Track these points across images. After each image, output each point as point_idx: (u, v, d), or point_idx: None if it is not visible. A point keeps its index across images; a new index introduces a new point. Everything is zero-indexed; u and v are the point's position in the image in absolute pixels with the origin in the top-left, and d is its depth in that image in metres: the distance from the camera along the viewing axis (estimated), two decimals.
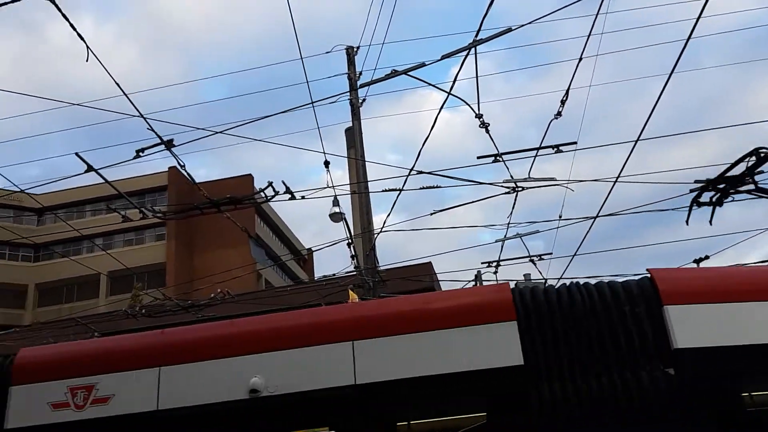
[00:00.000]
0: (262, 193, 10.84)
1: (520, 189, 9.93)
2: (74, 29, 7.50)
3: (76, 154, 9.06)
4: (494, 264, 12.94)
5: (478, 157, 9.21)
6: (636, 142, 8.17)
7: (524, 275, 21.40)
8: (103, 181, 10.01)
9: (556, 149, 8.92)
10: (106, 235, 43.96)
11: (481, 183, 10.57)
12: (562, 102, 8.05)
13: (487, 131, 8.63)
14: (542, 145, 9.17)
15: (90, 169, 9.25)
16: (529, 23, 6.72)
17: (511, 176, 9.78)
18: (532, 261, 12.93)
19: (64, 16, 7.17)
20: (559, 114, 8.25)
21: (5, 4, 6.89)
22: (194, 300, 15.43)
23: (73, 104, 9.45)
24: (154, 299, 16.21)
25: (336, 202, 16.53)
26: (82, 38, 7.52)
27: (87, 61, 7.90)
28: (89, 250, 42.52)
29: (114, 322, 18.23)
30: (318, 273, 53.24)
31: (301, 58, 10.13)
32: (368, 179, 16.64)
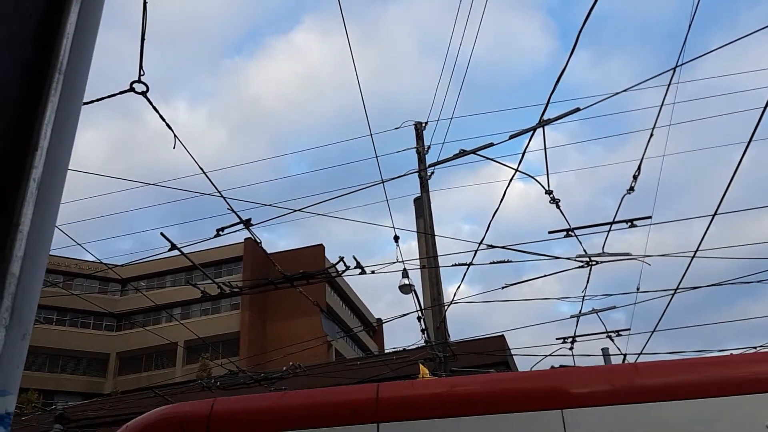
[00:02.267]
0: (333, 268, 11.07)
1: (594, 263, 9.74)
2: (163, 119, 8.06)
3: (162, 233, 9.57)
4: (570, 340, 12.53)
5: (550, 232, 9.12)
6: (713, 216, 7.94)
7: (602, 350, 20.62)
8: (183, 253, 10.51)
9: (630, 224, 8.74)
10: (185, 305, 45.29)
11: (552, 257, 10.42)
12: (635, 177, 7.94)
13: (558, 207, 8.57)
14: (616, 219, 9.00)
15: (173, 247, 9.74)
16: (598, 102, 6.75)
17: (585, 251, 9.62)
18: (609, 337, 12.47)
19: (154, 108, 7.74)
20: (631, 189, 8.13)
21: (102, 99, 7.50)
22: (266, 372, 15.61)
23: (150, 184, 10.04)
24: (228, 371, 16.45)
25: (405, 274, 16.57)
26: (169, 127, 8.08)
27: (174, 148, 8.46)
28: (168, 320, 43.80)
29: (190, 394, 18.57)
30: (389, 344, 52.79)
31: (371, 135, 10.49)
32: (438, 251, 16.68)
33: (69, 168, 1.50)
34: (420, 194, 17.53)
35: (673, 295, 10.36)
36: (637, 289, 15.16)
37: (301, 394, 6.01)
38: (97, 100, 7.67)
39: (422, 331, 15.20)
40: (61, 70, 1.50)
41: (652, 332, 11.91)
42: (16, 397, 1.28)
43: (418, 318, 14.64)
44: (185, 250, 10.55)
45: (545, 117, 7.46)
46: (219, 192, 9.46)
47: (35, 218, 1.37)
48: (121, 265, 30.84)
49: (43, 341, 45.24)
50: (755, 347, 12.83)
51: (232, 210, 8.73)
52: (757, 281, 10.43)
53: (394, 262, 11.86)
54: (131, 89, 7.30)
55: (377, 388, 5.41)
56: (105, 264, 19.16)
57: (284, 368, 13.92)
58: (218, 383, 14.21)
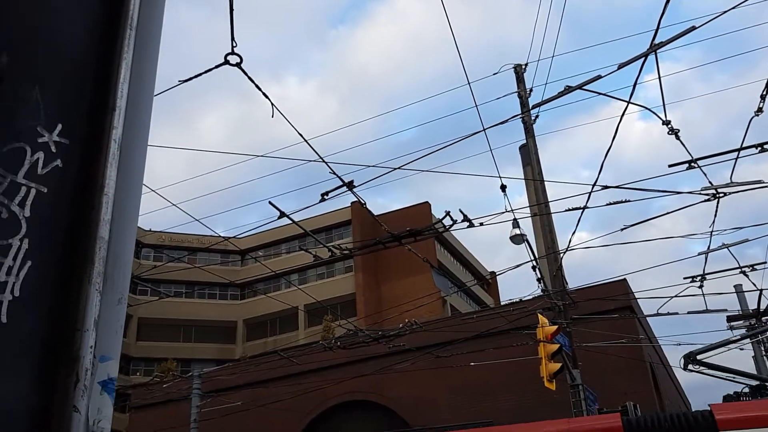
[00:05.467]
0: (440, 223, 10.94)
1: (721, 195, 9.02)
2: (259, 88, 8.15)
3: (270, 202, 9.80)
4: (698, 278, 11.78)
5: (670, 166, 8.50)
6: None
7: (735, 287, 19.38)
8: (296, 222, 10.78)
9: (759, 148, 7.98)
10: (301, 271, 46.92)
11: (674, 192, 9.77)
12: (762, 97, 7.19)
13: (677, 137, 7.94)
14: (744, 144, 8.25)
15: (282, 215, 9.97)
16: (714, 18, 6.10)
17: (710, 182, 8.92)
18: (743, 272, 11.61)
19: (249, 78, 7.83)
20: (759, 110, 7.38)
21: (199, 75, 7.66)
22: (384, 330, 15.87)
23: (258, 155, 10.26)
24: (347, 330, 16.89)
25: (516, 224, 16.19)
26: (266, 96, 8.16)
27: (272, 116, 8.57)
28: (287, 286, 45.63)
29: (312, 354, 19.32)
30: (503, 297, 52.37)
31: (468, 83, 10.14)
32: (548, 197, 16.14)
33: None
34: (525, 141, 16.96)
35: None
36: None
37: None
38: (195, 76, 7.85)
39: (538, 280, 14.85)
40: (132, 25, 1.43)
41: None
42: (118, 363, 1.25)
43: (533, 267, 14.30)
44: (296, 217, 10.80)
45: (657, 41, 6.86)
46: (320, 157, 9.53)
47: (120, 180, 1.32)
48: (233, 236, 32.23)
49: (176, 314, 48.53)
50: None
51: (334, 173, 8.78)
52: None
53: (503, 212, 11.56)
54: (226, 62, 7.40)
55: None
56: (223, 237, 20.08)
57: (401, 325, 14.08)
58: (338, 343, 14.60)
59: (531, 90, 16.39)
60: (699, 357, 9.50)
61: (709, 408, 6.33)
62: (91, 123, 1.33)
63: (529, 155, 16.76)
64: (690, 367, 9.40)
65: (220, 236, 17.58)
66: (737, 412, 6.49)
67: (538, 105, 10.35)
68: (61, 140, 1.30)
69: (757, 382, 7.90)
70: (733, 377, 9.14)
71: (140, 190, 1.38)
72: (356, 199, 10.43)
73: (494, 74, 16.48)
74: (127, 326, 48.52)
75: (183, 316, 48.97)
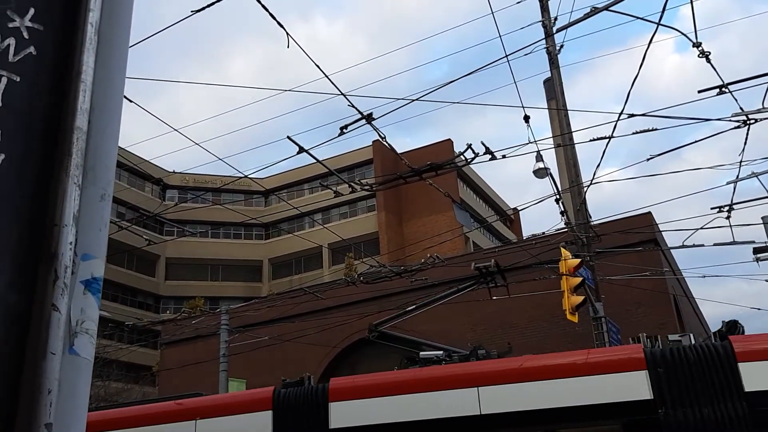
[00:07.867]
0: (462, 157, 10.76)
1: (752, 122, 8.69)
2: (273, 17, 7.93)
3: (288, 137, 9.68)
4: (726, 208, 11.53)
5: (699, 91, 8.17)
6: None
7: (762, 218, 18.99)
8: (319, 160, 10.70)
9: None
10: (324, 210, 47.15)
11: (701, 120, 9.44)
12: None
13: (708, 60, 7.60)
14: None
15: (301, 150, 9.85)
16: None
17: (741, 109, 8.58)
18: None
19: (262, 6, 7.61)
20: None
21: (210, 5, 7.45)
22: (407, 266, 15.93)
23: (281, 90, 10.11)
24: (370, 267, 16.98)
25: (539, 157, 15.93)
26: (280, 24, 7.94)
27: (288, 47, 8.37)
28: (311, 225, 45.98)
29: (337, 290, 19.56)
30: (526, 232, 52.23)
31: (492, 13, 9.77)
32: (572, 130, 15.80)
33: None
34: (550, 74, 16.47)
35: None
36: None
37: None
38: (208, 6, 7.64)
39: (561, 213, 14.69)
40: None
41: None
42: (104, 262, 1.17)
43: (556, 200, 14.11)
44: (317, 154, 10.70)
45: None
46: (338, 89, 9.33)
47: (99, 68, 1.21)
48: (255, 176, 32.23)
49: (203, 254, 49.37)
50: None
51: (352, 105, 8.61)
52: None
53: (526, 144, 11.31)
54: None
55: None
56: (245, 175, 20.09)
57: (422, 261, 14.09)
58: (362, 278, 14.69)
59: (556, 18, 15.81)
60: (380, 328, 10.14)
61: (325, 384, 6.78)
62: (66, 6, 1.22)
63: (553, 88, 16.32)
64: (371, 336, 9.99)
65: (242, 175, 17.57)
66: (350, 383, 6.95)
67: (563, 28, 9.96)
68: (34, 26, 1.19)
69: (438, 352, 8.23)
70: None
71: (123, 79, 1.28)
72: (378, 137, 10.26)
73: (518, 2, 15.90)
74: (156, 266, 49.58)
75: (210, 256, 49.83)
